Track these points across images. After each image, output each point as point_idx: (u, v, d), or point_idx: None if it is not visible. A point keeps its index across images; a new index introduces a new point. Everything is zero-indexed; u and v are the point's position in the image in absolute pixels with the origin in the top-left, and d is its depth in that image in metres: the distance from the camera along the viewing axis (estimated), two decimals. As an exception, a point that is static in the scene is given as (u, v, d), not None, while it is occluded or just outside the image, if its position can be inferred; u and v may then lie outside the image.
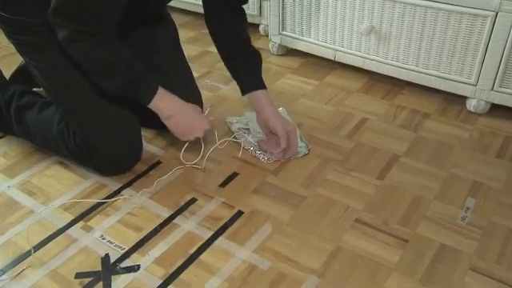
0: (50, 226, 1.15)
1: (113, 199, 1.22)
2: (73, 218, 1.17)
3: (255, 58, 1.32)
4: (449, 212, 1.16)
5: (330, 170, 1.30)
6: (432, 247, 1.08)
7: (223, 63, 1.34)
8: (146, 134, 1.44)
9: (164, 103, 1.16)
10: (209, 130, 1.24)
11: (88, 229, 1.14)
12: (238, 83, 1.33)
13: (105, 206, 1.21)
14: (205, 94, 1.61)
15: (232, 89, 1.66)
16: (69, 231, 1.14)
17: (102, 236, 1.12)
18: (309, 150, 1.35)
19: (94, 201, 1.21)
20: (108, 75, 1.11)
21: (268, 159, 1.31)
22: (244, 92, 1.33)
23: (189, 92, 1.37)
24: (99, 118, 1.22)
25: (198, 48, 1.96)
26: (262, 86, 1.32)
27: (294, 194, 1.23)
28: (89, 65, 1.10)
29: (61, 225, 1.15)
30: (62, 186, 1.27)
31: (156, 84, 1.16)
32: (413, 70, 1.57)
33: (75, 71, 1.16)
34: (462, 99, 1.56)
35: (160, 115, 1.18)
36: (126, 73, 1.11)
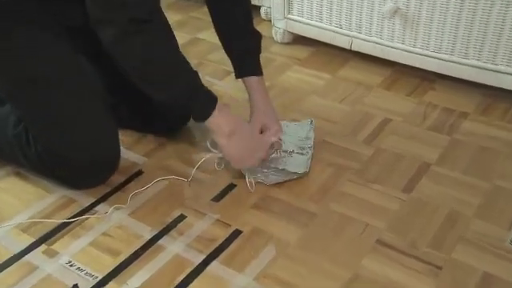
0: (3, 251, 1.16)
1: (83, 217, 1.23)
2: (33, 240, 1.18)
3: (254, 38, 1.35)
4: (493, 233, 1.17)
5: (345, 182, 1.32)
6: (473, 276, 1.08)
7: (221, 44, 1.37)
8: (124, 138, 1.45)
9: (225, 118, 1.19)
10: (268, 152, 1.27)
11: (52, 254, 1.15)
12: (232, 66, 1.38)
13: (73, 225, 1.22)
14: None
15: (229, 84, 1.68)
16: (27, 257, 1.14)
17: (70, 262, 1.13)
18: (305, 173, 1.33)
19: (58, 221, 1.23)
20: (168, 80, 1.13)
21: (264, 181, 1.31)
22: (237, 76, 1.37)
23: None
24: (68, 121, 1.24)
25: (185, 35, 1.98)
26: (257, 72, 1.35)
27: (303, 210, 1.24)
28: (145, 67, 1.10)
29: (17, 250, 1.16)
30: (19, 201, 1.28)
31: (215, 95, 1.19)
32: (447, 60, 1.59)
33: (45, 63, 1.18)
34: (509, 95, 1.58)
35: (217, 134, 1.20)
36: (188, 78, 1.15)
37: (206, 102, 1.18)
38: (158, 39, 1.10)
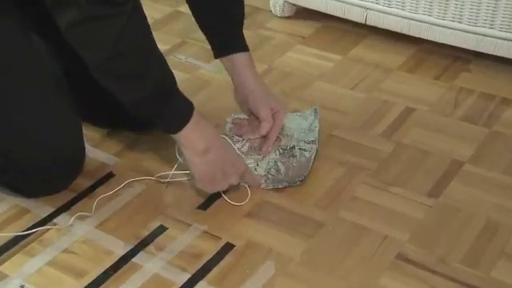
0: None
1: (39, 229, 1.23)
2: (-24, 260, 1.18)
3: (237, 3, 1.35)
4: (540, 247, 1.18)
5: (358, 184, 1.32)
6: (516, 299, 1.10)
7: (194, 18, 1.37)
8: (89, 133, 1.45)
9: (200, 132, 1.18)
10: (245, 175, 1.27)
11: (0, 277, 1.15)
12: (209, 43, 1.37)
13: (27, 240, 1.21)
14: (177, 76, 1.61)
15: (218, 68, 1.68)
16: (-29, 280, 1.14)
17: (23, 286, 1.13)
18: (304, 177, 1.32)
19: (9, 234, 1.22)
20: (138, 75, 1.10)
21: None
22: (216, 55, 1.36)
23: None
24: (18, 113, 1.23)
25: (164, 7, 1.98)
26: (242, 47, 1.35)
27: (307, 219, 1.25)
28: (110, 59, 1.08)
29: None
30: (-42, 213, 1.28)
31: (191, 103, 1.18)
32: (485, 35, 1.59)
33: None
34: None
35: (188, 150, 1.19)
36: (163, 76, 1.13)
37: (180, 111, 1.17)
38: (128, 25, 1.07)
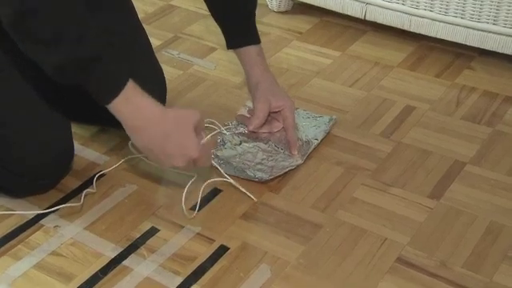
0: None
1: (25, 232, 1.23)
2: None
3: (249, 1, 1.37)
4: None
5: (357, 185, 1.32)
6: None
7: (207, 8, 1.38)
8: (78, 131, 1.45)
9: (131, 109, 1.14)
10: (200, 163, 1.22)
11: (-14, 279, 1.15)
12: (223, 34, 1.40)
13: (12, 243, 1.21)
14: (169, 73, 1.63)
15: (213, 64, 1.68)
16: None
17: (10, 290, 1.13)
18: (303, 160, 1.36)
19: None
20: (51, 38, 1.05)
21: (261, 178, 1.32)
22: (228, 46, 1.40)
23: (147, 70, 1.40)
24: (5, 111, 1.23)
25: (156, 1, 1.98)
26: (253, 40, 1.37)
27: (304, 221, 1.24)
28: (19, 19, 1.03)
29: None
30: None
31: (126, 70, 1.13)
32: (489, 31, 1.59)
33: None
34: None
35: (122, 122, 1.16)
36: (80, 40, 1.07)
37: (107, 83, 1.12)
38: None
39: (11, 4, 1.02)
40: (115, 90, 1.12)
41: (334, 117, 1.47)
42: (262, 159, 1.35)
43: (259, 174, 1.32)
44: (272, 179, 1.32)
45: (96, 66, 1.09)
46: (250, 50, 1.38)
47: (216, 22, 1.40)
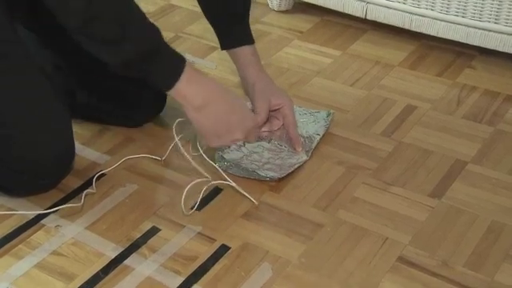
0: None
1: (27, 232, 1.23)
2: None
3: (242, 1, 1.37)
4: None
5: (358, 185, 1.32)
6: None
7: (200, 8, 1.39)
8: (79, 131, 1.45)
9: (193, 87, 1.18)
10: (252, 136, 1.28)
11: (-13, 279, 1.15)
12: (216, 35, 1.40)
13: (14, 242, 1.21)
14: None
15: (214, 64, 1.68)
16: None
17: (11, 289, 1.13)
18: (309, 156, 1.37)
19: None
20: (116, 38, 1.10)
21: (272, 177, 1.32)
22: (222, 47, 1.40)
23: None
24: (6, 110, 1.23)
25: (157, 0, 1.98)
26: (246, 40, 1.38)
27: (306, 220, 1.25)
28: (86, 25, 1.08)
29: None
30: None
31: (182, 58, 1.18)
32: (490, 30, 1.59)
33: None
34: None
35: (184, 106, 1.20)
36: (141, 36, 1.13)
37: (169, 68, 1.17)
38: None
39: (78, 13, 1.07)
40: (177, 74, 1.17)
41: (331, 111, 1.47)
42: (269, 158, 1.35)
43: (270, 174, 1.32)
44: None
45: (157, 55, 1.15)
46: (245, 50, 1.38)
47: (210, 22, 1.40)
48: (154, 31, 1.16)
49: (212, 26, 1.40)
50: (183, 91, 1.18)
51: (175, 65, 1.18)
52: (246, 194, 1.28)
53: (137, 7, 1.14)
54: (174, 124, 1.33)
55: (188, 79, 1.17)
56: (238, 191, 1.29)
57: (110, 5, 1.09)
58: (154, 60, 1.15)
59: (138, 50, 1.13)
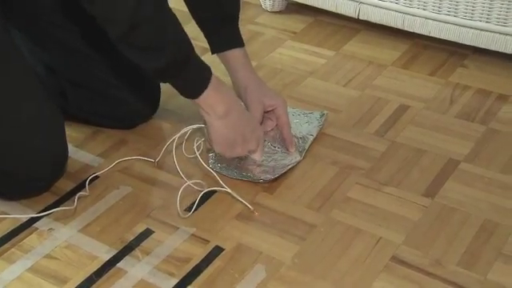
0: None
1: (19, 235, 1.23)
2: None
3: (230, 1, 1.37)
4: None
5: (352, 185, 1.32)
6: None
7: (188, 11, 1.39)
8: (72, 133, 1.45)
9: (218, 96, 1.21)
10: (260, 148, 1.31)
11: (-20, 283, 1.15)
12: (206, 38, 1.40)
13: (6, 246, 1.21)
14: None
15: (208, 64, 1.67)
16: None
17: (3, 293, 1.13)
18: (302, 157, 1.37)
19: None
20: (157, 45, 1.13)
21: (266, 179, 1.32)
22: (212, 51, 1.40)
23: (141, 76, 1.41)
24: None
25: (151, 3, 1.98)
26: (237, 43, 1.38)
27: (299, 221, 1.25)
28: (130, 33, 1.10)
29: None
30: None
31: (209, 68, 1.21)
32: (481, 29, 1.60)
33: None
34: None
35: (208, 114, 1.22)
36: (178, 44, 1.15)
37: (198, 76, 1.20)
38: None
39: (124, 22, 1.09)
40: (205, 83, 1.20)
41: (325, 112, 1.48)
42: (263, 160, 1.34)
43: (263, 176, 1.32)
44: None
45: (188, 62, 1.17)
46: (236, 53, 1.38)
47: (199, 25, 1.40)
48: (187, 38, 1.18)
49: (201, 29, 1.39)
50: (210, 99, 1.21)
51: (204, 73, 1.20)
52: (242, 200, 1.27)
53: (173, 14, 1.16)
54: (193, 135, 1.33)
55: (214, 88, 1.20)
56: (230, 194, 1.29)
57: (154, 13, 1.11)
58: (186, 67, 1.17)
59: (174, 57, 1.15)
